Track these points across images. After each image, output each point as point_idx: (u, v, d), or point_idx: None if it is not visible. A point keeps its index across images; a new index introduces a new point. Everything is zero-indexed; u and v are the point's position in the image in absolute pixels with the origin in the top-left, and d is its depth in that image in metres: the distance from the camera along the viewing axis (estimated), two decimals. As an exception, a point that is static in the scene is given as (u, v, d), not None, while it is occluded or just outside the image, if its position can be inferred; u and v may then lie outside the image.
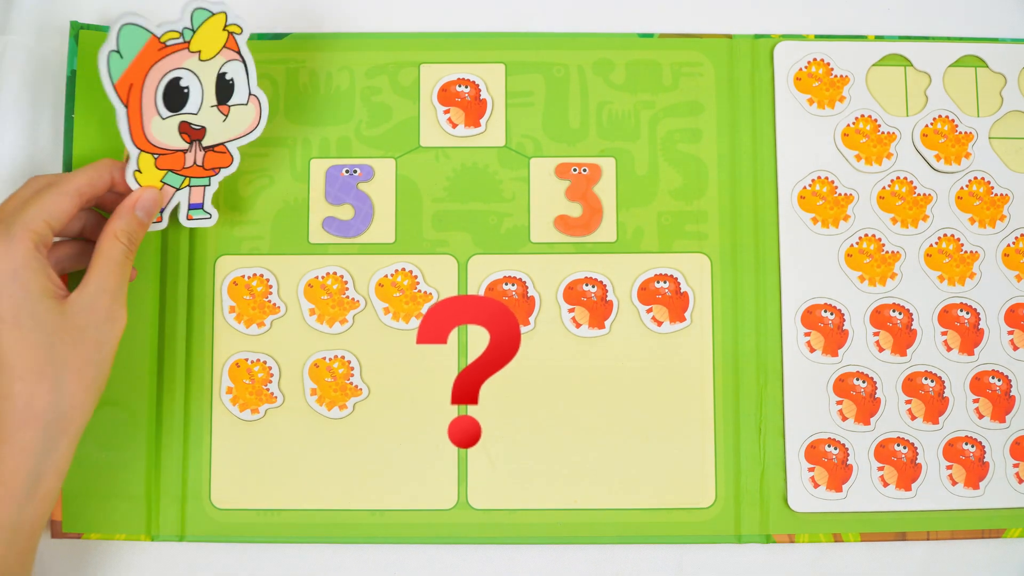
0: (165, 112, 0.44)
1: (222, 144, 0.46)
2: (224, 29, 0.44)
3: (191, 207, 0.47)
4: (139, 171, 0.45)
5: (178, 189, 0.46)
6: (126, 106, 0.43)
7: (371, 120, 0.51)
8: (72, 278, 0.48)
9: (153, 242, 0.50)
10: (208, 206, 0.48)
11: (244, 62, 0.45)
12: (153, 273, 0.49)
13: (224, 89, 0.45)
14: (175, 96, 0.44)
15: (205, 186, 0.47)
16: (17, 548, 0.41)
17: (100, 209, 0.47)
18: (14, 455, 0.41)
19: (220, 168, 0.47)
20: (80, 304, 0.42)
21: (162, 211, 0.46)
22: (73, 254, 0.47)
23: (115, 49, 0.42)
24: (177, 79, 0.44)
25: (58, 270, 0.47)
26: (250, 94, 0.46)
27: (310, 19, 0.52)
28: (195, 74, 0.44)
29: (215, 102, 0.45)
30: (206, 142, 0.46)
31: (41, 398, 0.41)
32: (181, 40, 0.43)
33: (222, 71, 0.45)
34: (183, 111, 0.45)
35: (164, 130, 0.45)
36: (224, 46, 0.44)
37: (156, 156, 0.45)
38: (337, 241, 0.50)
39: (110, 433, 0.48)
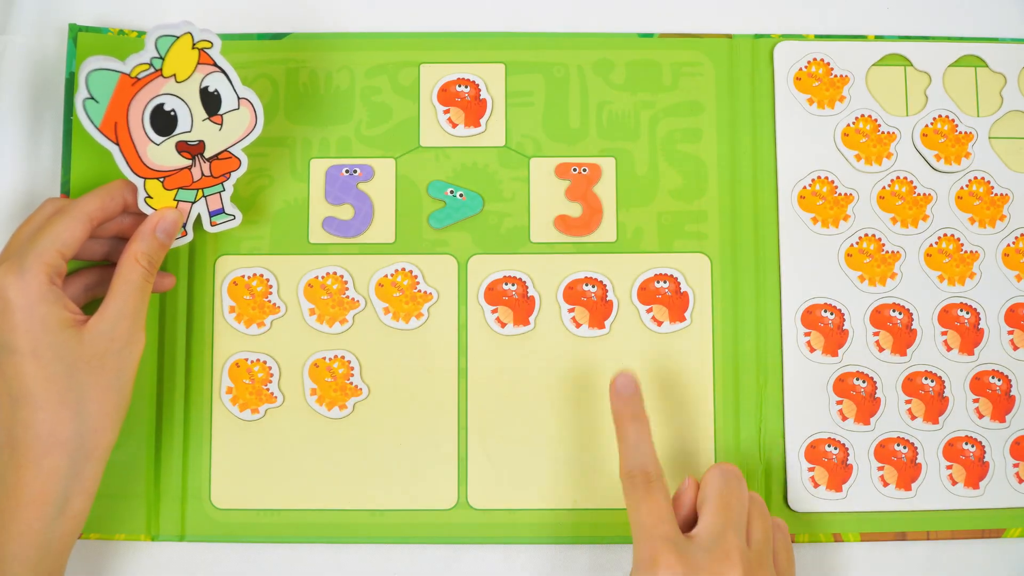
0: (158, 138, 0.44)
1: (225, 150, 0.46)
2: (194, 48, 0.44)
3: (212, 214, 0.47)
4: (150, 197, 0.45)
5: (194, 203, 0.47)
6: (117, 144, 0.44)
7: (371, 120, 0.51)
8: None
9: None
10: (229, 208, 0.48)
11: (224, 71, 0.45)
12: (153, 273, 0.49)
13: (211, 101, 0.45)
14: (163, 121, 0.44)
15: (220, 192, 0.47)
16: (47, 566, 0.42)
17: (121, 235, 0.47)
18: (40, 479, 0.41)
19: (230, 172, 0.47)
20: (99, 330, 0.42)
21: (184, 225, 0.47)
22: (103, 280, 0.46)
23: (89, 96, 0.43)
24: (160, 105, 0.44)
25: (87, 297, 0.47)
26: (239, 98, 0.46)
27: (310, 19, 0.52)
28: (177, 96, 0.44)
29: (205, 116, 0.45)
30: (208, 153, 0.46)
31: (64, 426, 0.41)
32: (152, 70, 0.43)
33: (204, 85, 0.45)
34: (176, 132, 0.45)
35: (161, 154, 0.45)
36: (198, 63, 0.44)
37: (162, 179, 0.45)
38: (337, 241, 0.50)
39: (110, 433, 0.48)
